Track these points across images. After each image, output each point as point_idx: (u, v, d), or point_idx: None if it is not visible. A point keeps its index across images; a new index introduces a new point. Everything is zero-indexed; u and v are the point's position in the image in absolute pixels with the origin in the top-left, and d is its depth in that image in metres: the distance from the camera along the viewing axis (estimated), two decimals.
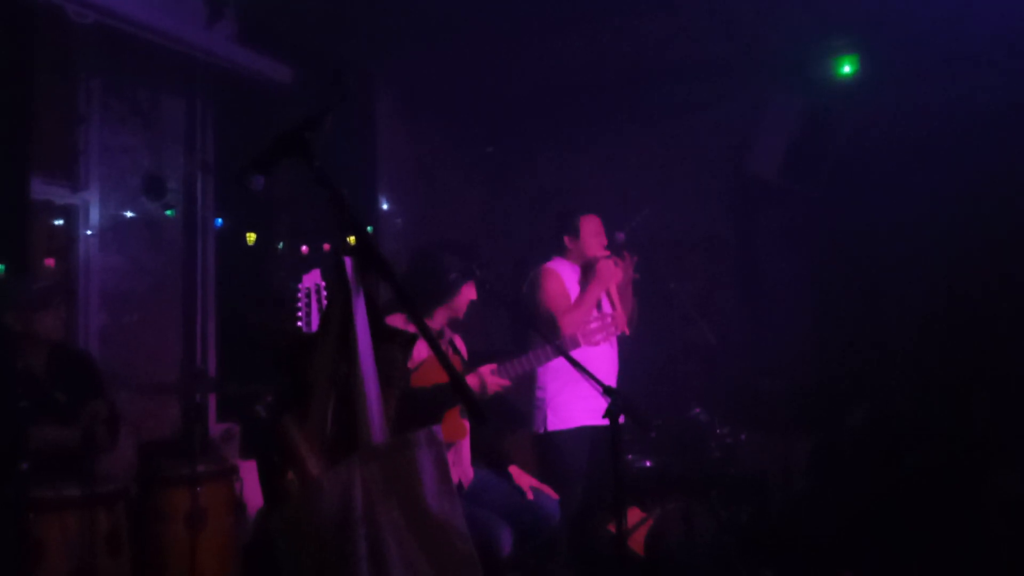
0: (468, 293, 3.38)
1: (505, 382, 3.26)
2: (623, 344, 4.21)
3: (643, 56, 5.58)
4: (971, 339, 4.78)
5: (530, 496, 3.42)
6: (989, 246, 4.77)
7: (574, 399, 3.92)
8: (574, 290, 4.06)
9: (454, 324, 3.48)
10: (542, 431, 4.00)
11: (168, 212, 4.72)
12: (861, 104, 5.28)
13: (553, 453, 4.00)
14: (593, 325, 3.54)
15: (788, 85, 5.47)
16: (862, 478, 4.60)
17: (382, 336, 2.03)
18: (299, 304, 3.04)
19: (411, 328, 2.65)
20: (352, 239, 1.93)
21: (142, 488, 3.68)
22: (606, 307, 4.11)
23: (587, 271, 4.08)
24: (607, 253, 4.06)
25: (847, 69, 5.36)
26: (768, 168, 5.44)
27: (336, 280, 1.97)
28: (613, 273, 4.01)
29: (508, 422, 4.81)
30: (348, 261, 1.95)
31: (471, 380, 3.20)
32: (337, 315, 1.96)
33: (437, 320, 3.37)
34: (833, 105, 5.35)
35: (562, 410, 3.97)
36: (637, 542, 4.36)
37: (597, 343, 3.54)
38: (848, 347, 5.25)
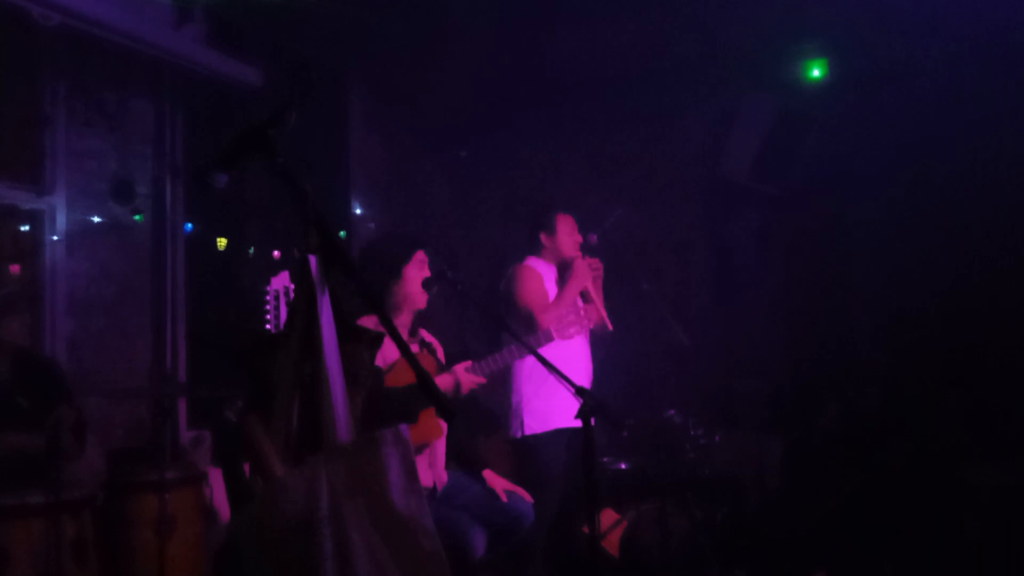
0: (417, 270, 3.34)
1: (480, 379, 3.24)
2: (597, 346, 4.21)
3: (616, 59, 5.61)
4: (941, 337, 4.83)
5: (504, 499, 3.41)
6: (959, 245, 4.82)
7: (550, 401, 3.90)
8: (552, 289, 4.06)
9: (427, 325, 3.46)
10: (519, 435, 3.97)
11: (136, 217, 4.65)
12: (830, 107, 5.34)
13: (531, 457, 3.97)
14: (567, 319, 3.53)
15: (759, 88, 5.51)
16: (836, 477, 4.62)
17: (348, 334, 2.01)
18: (267, 307, 3.01)
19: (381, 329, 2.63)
20: (317, 237, 1.91)
21: (109, 495, 3.61)
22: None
23: (564, 270, 4.08)
24: (581, 253, 4.06)
25: (816, 72, 5.45)
26: (740, 170, 5.48)
27: (300, 278, 1.94)
28: (589, 272, 4.02)
29: (482, 426, 4.80)
30: (312, 259, 1.92)
31: (446, 379, 3.18)
32: (302, 314, 1.94)
33: (403, 318, 3.35)
34: (803, 108, 5.40)
35: (539, 413, 3.95)
36: (612, 543, 4.36)
37: (571, 336, 3.53)
38: (820, 346, 5.29)
